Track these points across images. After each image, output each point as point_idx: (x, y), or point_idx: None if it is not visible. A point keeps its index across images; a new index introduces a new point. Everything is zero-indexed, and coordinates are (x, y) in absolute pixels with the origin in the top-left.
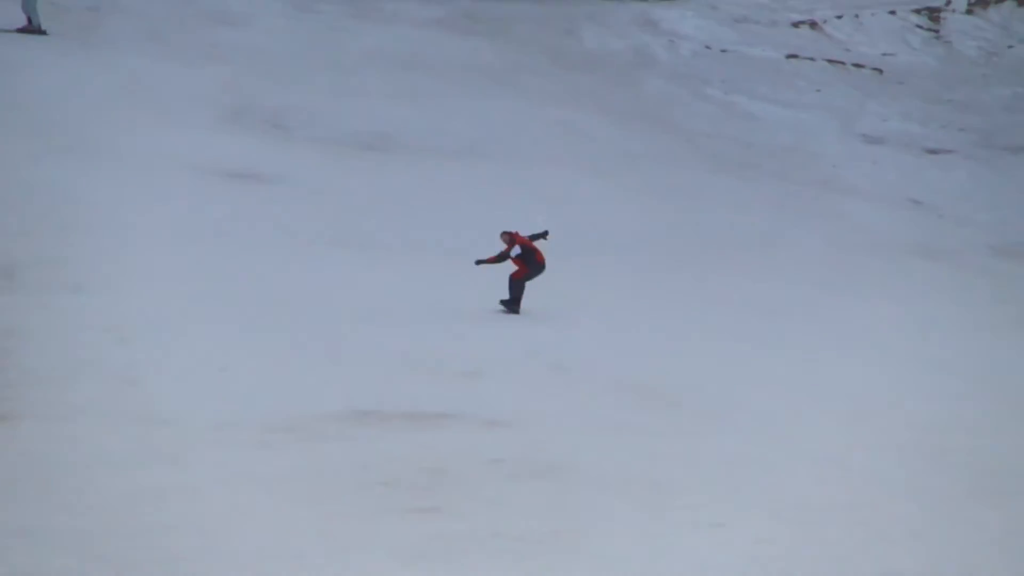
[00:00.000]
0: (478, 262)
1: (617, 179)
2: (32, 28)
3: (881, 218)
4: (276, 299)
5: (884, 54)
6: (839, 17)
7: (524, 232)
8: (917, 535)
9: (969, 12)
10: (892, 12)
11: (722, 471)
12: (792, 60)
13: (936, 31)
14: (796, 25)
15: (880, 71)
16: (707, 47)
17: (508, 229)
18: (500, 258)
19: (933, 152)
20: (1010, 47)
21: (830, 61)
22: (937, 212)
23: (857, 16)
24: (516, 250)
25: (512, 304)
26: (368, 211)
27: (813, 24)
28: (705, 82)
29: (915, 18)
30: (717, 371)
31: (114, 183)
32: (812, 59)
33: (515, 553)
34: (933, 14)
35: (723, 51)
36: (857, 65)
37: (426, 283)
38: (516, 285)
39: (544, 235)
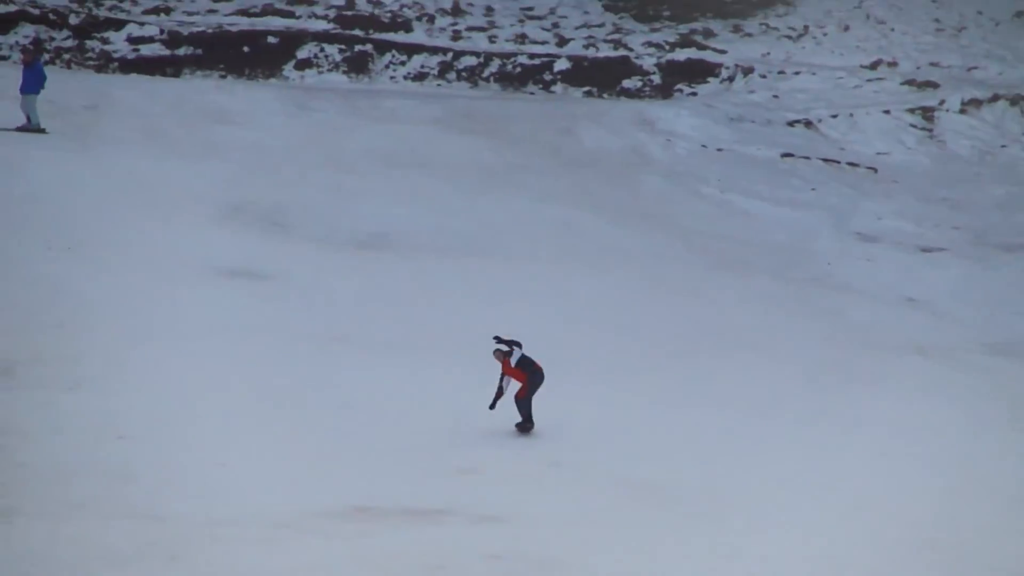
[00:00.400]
0: (491, 407)
1: (614, 276)
2: (31, 127)
3: (876, 315)
4: (273, 395)
5: (878, 153)
6: (834, 116)
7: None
8: None
9: (962, 112)
10: (886, 112)
11: (716, 567)
12: (787, 159)
13: (930, 130)
14: (791, 124)
15: (875, 170)
16: (703, 146)
17: (500, 347)
18: (501, 389)
19: (927, 250)
20: (1003, 146)
21: (825, 160)
22: (931, 310)
23: (852, 115)
24: (514, 360)
25: (525, 423)
26: (363, 309)
27: (808, 123)
28: (701, 180)
29: (909, 117)
30: (714, 468)
31: (113, 281)
32: (807, 158)
33: None
34: (927, 114)
35: (719, 150)
36: (852, 164)
37: (421, 380)
38: (523, 404)
39: (518, 344)
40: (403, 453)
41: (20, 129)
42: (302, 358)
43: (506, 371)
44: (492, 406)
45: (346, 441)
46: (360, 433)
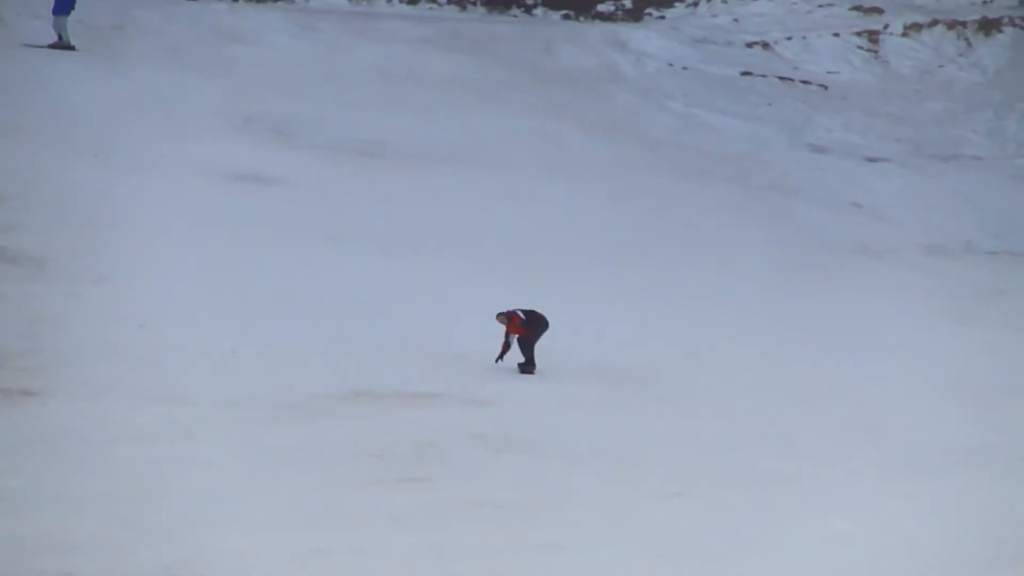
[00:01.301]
0: (498, 360)
1: (588, 183)
2: (62, 44)
3: (825, 219)
4: (281, 289)
5: (828, 72)
6: (788, 39)
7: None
8: (855, 504)
9: (904, 35)
10: (836, 35)
11: (682, 446)
12: (746, 77)
13: (875, 52)
14: (750, 45)
15: (825, 87)
16: (670, 64)
17: (502, 311)
18: (508, 343)
19: (872, 160)
20: (940, 66)
21: (780, 78)
22: (875, 214)
23: (805, 38)
24: (522, 317)
25: (528, 365)
26: (363, 211)
27: (765, 45)
28: (668, 96)
29: (856, 40)
30: (682, 357)
31: (137, 185)
32: (764, 76)
33: (497, 520)
34: (872, 36)
35: (684, 68)
36: (804, 82)
37: (415, 275)
38: (527, 346)
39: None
40: (399, 342)
41: (52, 46)
42: (306, 255)
43: (511, 331)
44: (499, 359)
45: (347, 331)
46: (359, 324)
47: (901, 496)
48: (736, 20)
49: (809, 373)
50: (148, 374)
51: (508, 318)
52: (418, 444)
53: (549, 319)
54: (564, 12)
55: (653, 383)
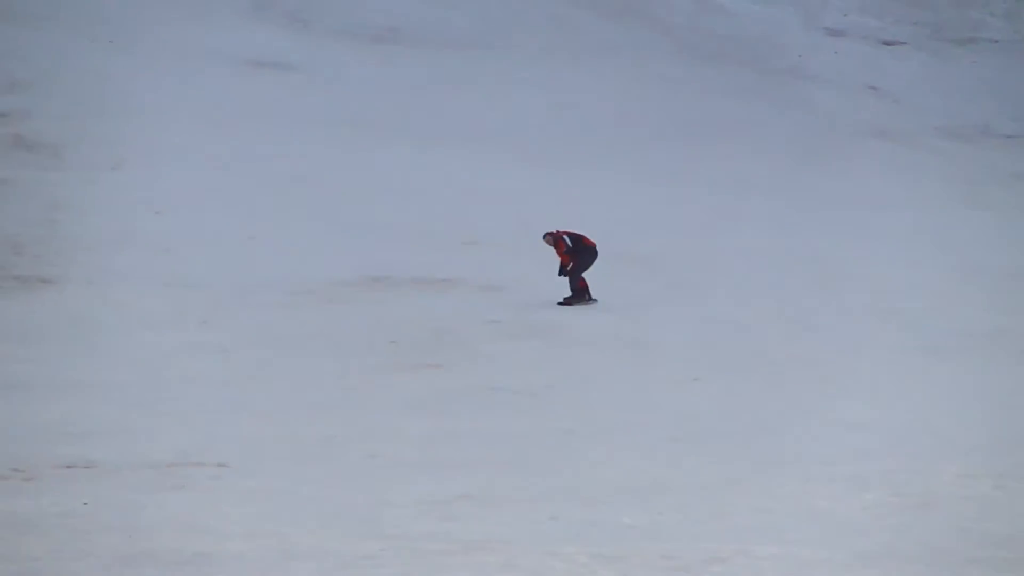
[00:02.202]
0: (562, 272)
1: (603, 68)
2: None
3: (842, 103)
4: (297, 176)
5: None
6: None
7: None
8: (872, 387)
9: None
10: None
11: (699, 332)
12: None
13: None
14: None
15: None
16: None
17: (549, 231)
18: (570, 255)
19: (888, 43)
20: None
21: None
22: (892, 97)
23: None
24: (568, 241)
25: (575, 297)
26: (380, 97)
27: None
28: None
29: None
30: (699, 242)
31: (150, 71)
32: None
33: (512, 405)
34: None
35: None
36: None
37: (433, 162)
38: (573, 277)
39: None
40: (414, 229)
41: None
42: (322, 141)
43: (559, 255)
44: (562, 272)
45: (362, 218)
46: (375, 210)
47: (918, 380)
48: None
49: (826, 257)
50: (164, 261)
51: (554, 240)
52: (433, 330)
53: (598, 246)
54: None
55: (670, 268)
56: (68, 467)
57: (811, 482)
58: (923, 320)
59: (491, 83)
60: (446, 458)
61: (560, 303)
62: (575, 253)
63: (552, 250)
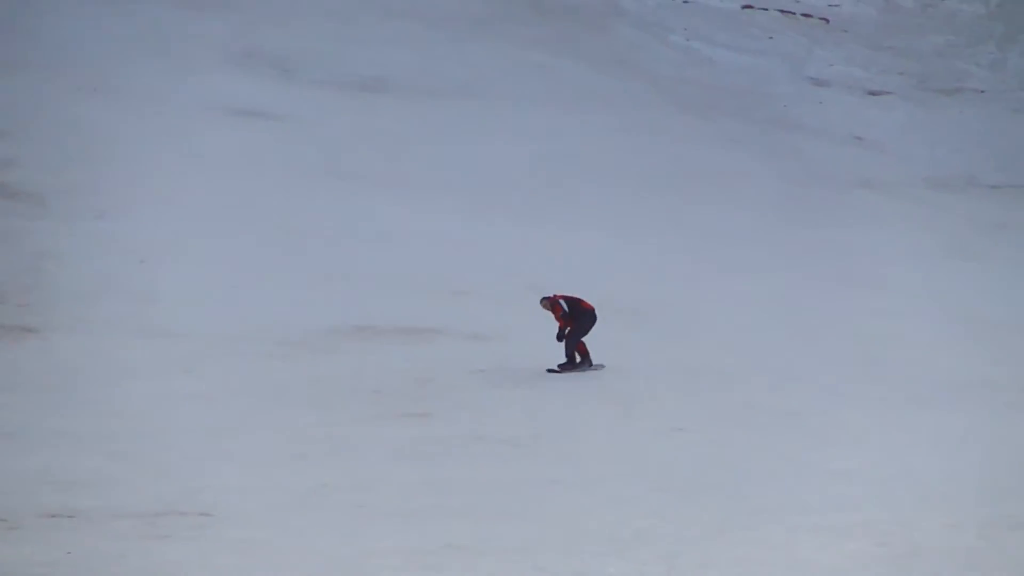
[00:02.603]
0: (559, 338)
1: (590, 118)
2: None
3: (827, 153)
4: (281, 225)
5: (830, 5)
6: None
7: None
8: (856, 437)
9: None
10: None
11: (684, 382)
12: (747, 11)
13: None
14: None
15: (827, 20)
16: None
17: (546, 295)
18: (565, 319)
19: (874, 94)
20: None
21: (782, 11)
22: (877, 148)
23: None
24: (565, 306)
25: (569, 364)
26: (363, 147)
27: None
28: (669, 30)
29: None
30: (684, 292)
31: (135, 120)
32: (765, 9)
33: (497, 455)
34: None
35: (685, 2)
36: (806, 15)
37: (417, 211)
38: (569, 343)
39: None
40: (399, 278)
41: None
42: (307, 191)
43: (557, 318)
44: (559, 337)
45: (347, 267)
46: (360, 259)
47: (903, 430)
48: None
49: (811, 307)
50: (147, 309)
51: (551, 305)
52: (418, 379)
53: (597, 311)
54: None
55: (655, 318)
56: (51, 516)
57: (795, 532)
58: (908, 370)
59: (477, 132)
60: (431, 507)
61: (551, 370)
62: (572, 318)
63: (550, 314)
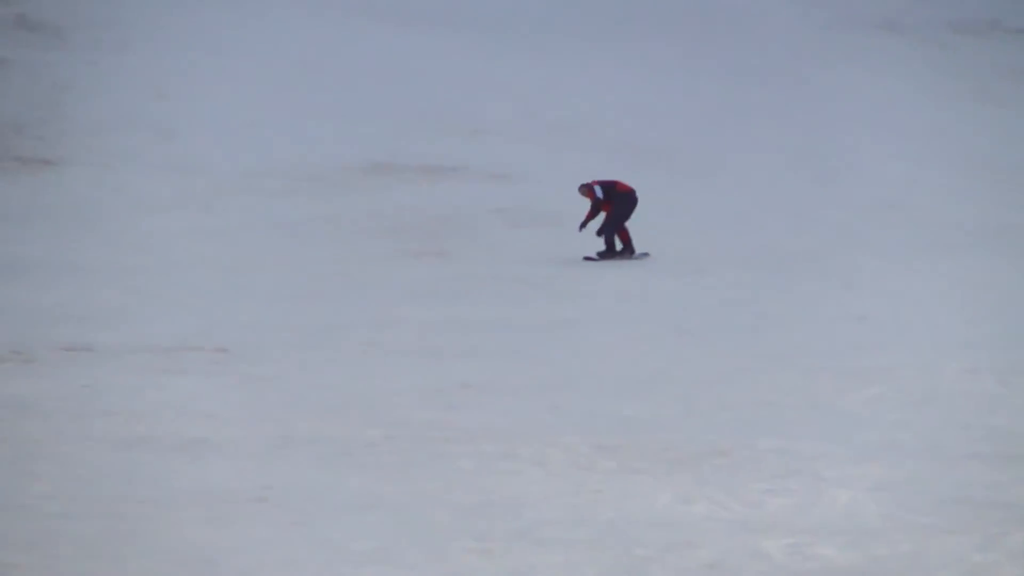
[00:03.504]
0: (582, 226)
1: None
2: None
3: None
4: (303, 59)
5: None
6: None
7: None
8: (878, 283)
9: None
10: None
11: (704, 224)
12: None
13: None
14: None
15: None
16: None
17: (583, 182)
18: (594, 209)
19: None
20: None
21: None
22: None
23: None
24: (599, 192)
25: (609, 252)
26: None
27: None
28: None
29: None
30: (706, 134)
31: None
32: None
33: (514, 294)
34: None
35: None
36: None
37: (440, 48)
38: (607, 229)
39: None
40: (421, 114)
41: None
42: (329, 24)
43: (592, 202)
44: (581, 226)
45: (368, 103)
46: (381, 95)
47: (922, 275)
48: None
49: (830, 151)
50: (167, 144)
51: (586, 191)
52: (437, 218)
53: (637, 193)
54: None
55: (677, 159)
56: (68, 350)
57: (812, 375)
58: (927, 215)
59: None
60: (447, 347)
61: (588, 258)
62: (608, 202)
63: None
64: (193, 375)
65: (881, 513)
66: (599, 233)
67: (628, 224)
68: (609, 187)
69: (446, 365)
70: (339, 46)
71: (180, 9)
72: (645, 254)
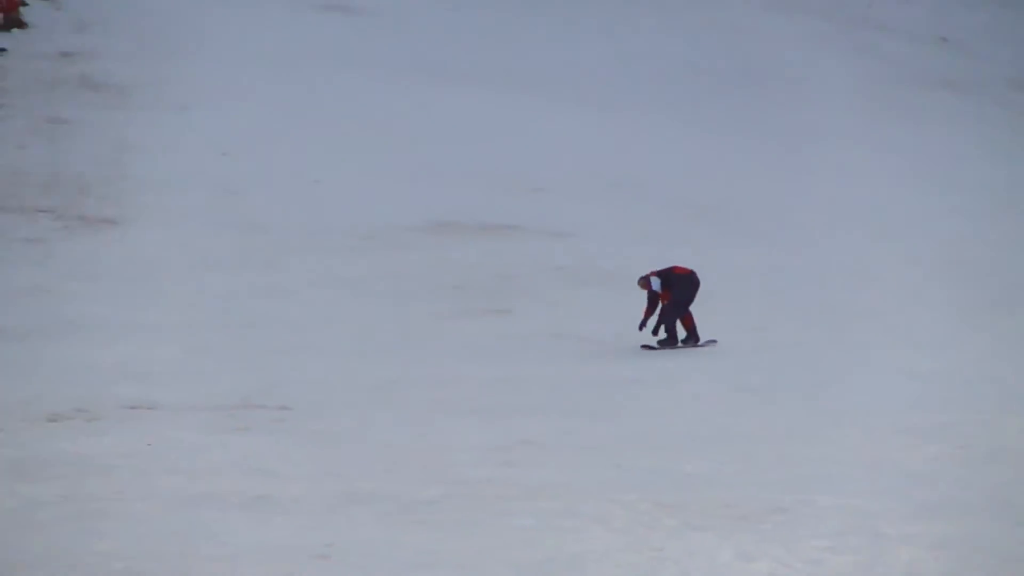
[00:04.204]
0: (642, 326)
1: (673, 15)
2: None
3: (911, 52)
4: (364, 120)
5: None
6: None
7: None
8: (936, 338)
9: None
10: None
11: (762, 281)
12: None
13: None
14: None
15: None
16: None
17: (642, 274)
18: (652, 302)
19: None
20: None
21: None
22: (962, 48)
23: None
24: (656, 285)
25: (670, 341)
26: (445, 42)
27: None
28: None
29: None
30: (763, 191)
31: (217, 12)
32: None
33: (576, 352)
34: None
35: None
36: None
37: (501, 108)
38: (666, 317)
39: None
40: (481, 174)
41: None
42: (392, 86)
43: (648, 295)
44: (641, 326)
45: (429, 162)
46: (442, 155)
47: (983, 331)
48: None
49: (890, 207)
50: (229, 202)
51: (644, 283)
52: (498, 276)
53: (698, 275)
54: None
55: (732, 217)
56: (132, 408)
57: (875, 433)
58: (988, 272)
59: (559, 28)
60: (509, 404)
61: (648, 346)
62: (669, 287)
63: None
64: (256, 433)
65: (943, 571)
66: (658, 326)
67: (692, 308)
68: (666, 274)
69: (508, 423)
70: (401, 106)
71: (244, 68)
72: (712, 341)
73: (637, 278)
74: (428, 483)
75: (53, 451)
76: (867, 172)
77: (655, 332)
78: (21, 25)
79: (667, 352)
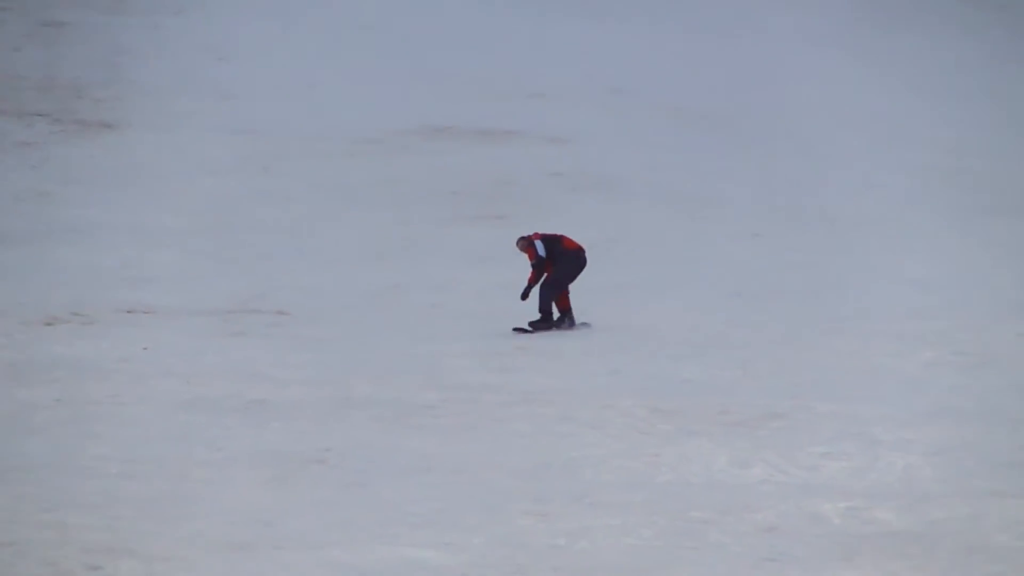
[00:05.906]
0: (524, 295)
1: None
2: None
3: None
4: (359, 24)
5: None
6: None
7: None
8: (933, 246)
9: None
10: None
11: (761, 187)
12: None
13: None
14: None
15: None
16: None
17: (523, 234)
18: (537, 270)
19: None
20: None
21: None
22: None
23: None
24: (540, 249)
25: (543, 321)
26: None
27: None
28: None
29: None
30: (763, 96)
31: None
32: None
33: None
34: None
35: None
36: None
37: (497, 11)
38: (544, 295)
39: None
40: (479, 79)
41: None
42: None
43: (533, 262)
44: (523, 295)
45: (427, 67)
46: (440, 59)
47: (979, 239)
48: None
49: (893, 113)
50: (226, 107)
51: (525, 246)
52: (496, 182)
53: (586, 251)
54: None
55: (731, 124)
56: (128, 312)
57: (871, 340)
58: (986, 179)
59: None
60: (506, 309)
61: (519, 329)
62: (551, 262)
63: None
64: (252, 338)
65: (938, 477)
66: (524, 297)
67: (572, 287)
68: (552, 243)
69: (505, 328)
70: (398, 11)
71: None
72: (585, 324)
73: (516, 239)
74: (425, 388)
75: (50, 355)
76: (864, 79)
77: (523, 296)
78: None
79: (661, 256)
